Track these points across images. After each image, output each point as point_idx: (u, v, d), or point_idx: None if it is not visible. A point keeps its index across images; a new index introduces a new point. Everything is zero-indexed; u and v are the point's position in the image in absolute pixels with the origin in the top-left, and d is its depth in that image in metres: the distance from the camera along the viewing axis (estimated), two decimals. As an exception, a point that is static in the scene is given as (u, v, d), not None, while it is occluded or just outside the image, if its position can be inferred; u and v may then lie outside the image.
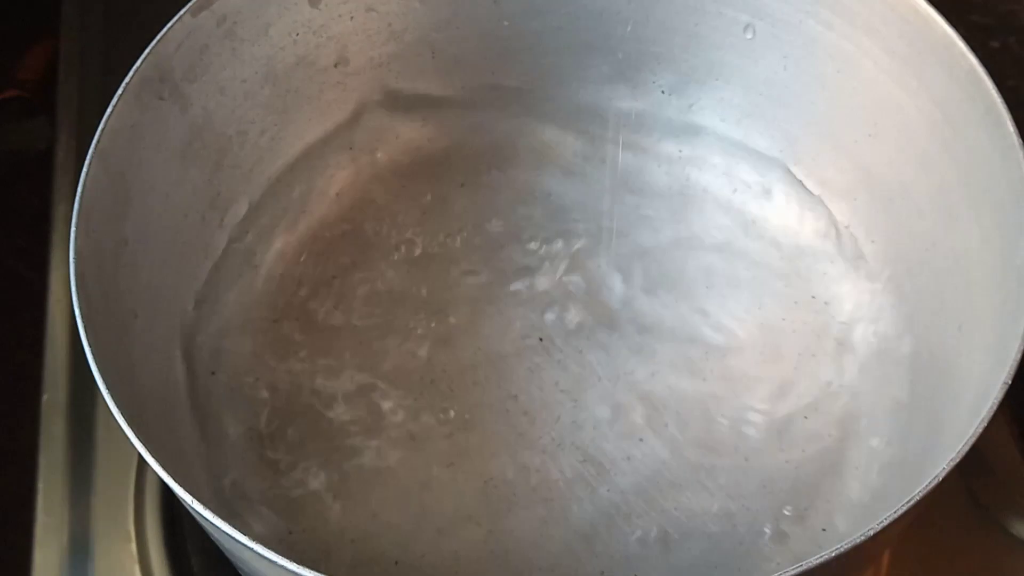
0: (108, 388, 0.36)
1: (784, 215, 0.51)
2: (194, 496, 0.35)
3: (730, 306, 0.49)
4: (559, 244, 0.51)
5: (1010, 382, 0.36)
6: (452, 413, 0.47)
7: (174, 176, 0.46)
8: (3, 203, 0.65)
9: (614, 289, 0.50)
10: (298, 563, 0.32)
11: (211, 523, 0.34)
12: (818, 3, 0.47)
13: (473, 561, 0.44)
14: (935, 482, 0.34)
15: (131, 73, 0.43)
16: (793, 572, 0.32)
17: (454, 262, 0.51)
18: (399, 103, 0.54)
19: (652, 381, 0.47)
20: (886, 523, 0.33)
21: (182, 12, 0.45)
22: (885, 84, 0.46)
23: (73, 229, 0.40)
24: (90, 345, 0.37)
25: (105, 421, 0.50)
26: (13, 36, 0.67)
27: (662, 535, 0.44)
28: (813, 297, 0.49)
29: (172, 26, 0.45)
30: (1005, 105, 0.41)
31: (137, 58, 0.44)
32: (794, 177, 0.52)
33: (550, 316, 0.49)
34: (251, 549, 0.33)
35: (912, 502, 0.34)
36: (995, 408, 0.35)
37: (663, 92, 0.53)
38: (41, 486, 0.49)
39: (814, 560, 0.32)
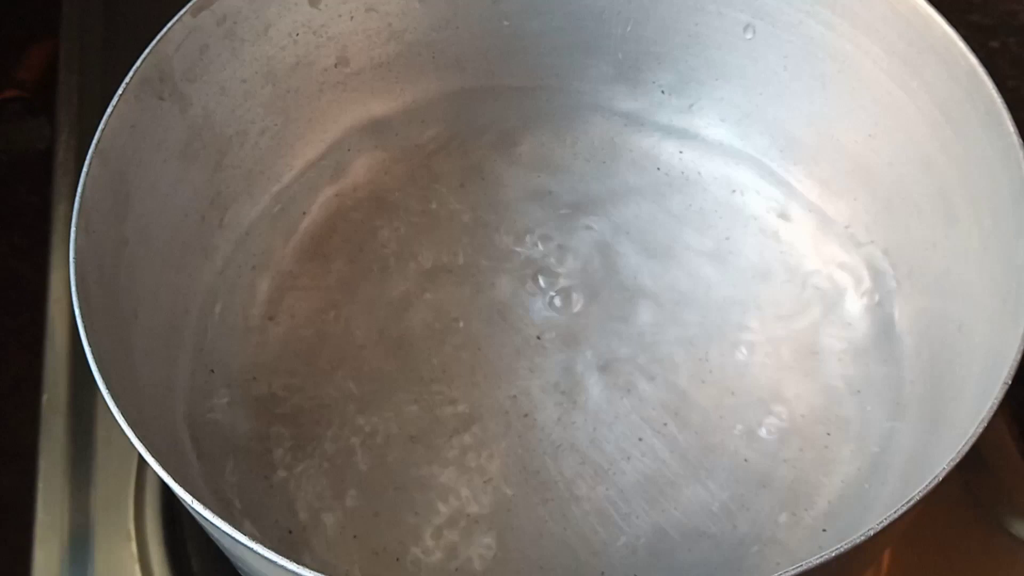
0: (108, 388, 0.36)
1: (784, 215, 0.51)
2: (194, 496, 0.35)
3: (730, 306, 0.49)
4: (559, 244, 0.51)
5: (1010, 382, 0.36)
6: (452, 413, 0.47)
7: (174, 176, 0.46)
8: (3, 203, 0.65)
9: (613, 288, 0.50)
10: (298, 563, 0.32)
11: (211, 523, 0.34)
12: (818, 3, 0.47)
13: (473, 561, 0.44)
14: (935, 482, 0.34)
15: (131, 73, 0.43)
16: (793, 572, 0.32)
17: (454, 262, 0.51)
18: (399, 103, 0.54)
19: (652, 381, 0.47)
20: (886, 523, 0.33)
21: (182, 12, 0.45)
22: (885, 84, 0.46)
23: (73, 229, 0.40)
24: (90, 345, 0.37)
25: (105, 421, 0.50)
26: (13, 36, 0.67)
27: (662, 535, 0.44)
28: (814, 295, 0.49)
29: (172, 26, 0.45)
30: (1005, 105, 0.41)
31: (137, 58, 0.44)
32: (794, 177, 0.52)
33: (549, 316, 0.49)
34: (251, 549, 0.33)
35: (912, 502, 0.34)
36: (995, 408, 0.35)
37: (663, 92, 0.53)
38: (41, 486, 0.49)
39: (814, 560, 0.32)
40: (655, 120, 0.54)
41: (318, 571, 0.32)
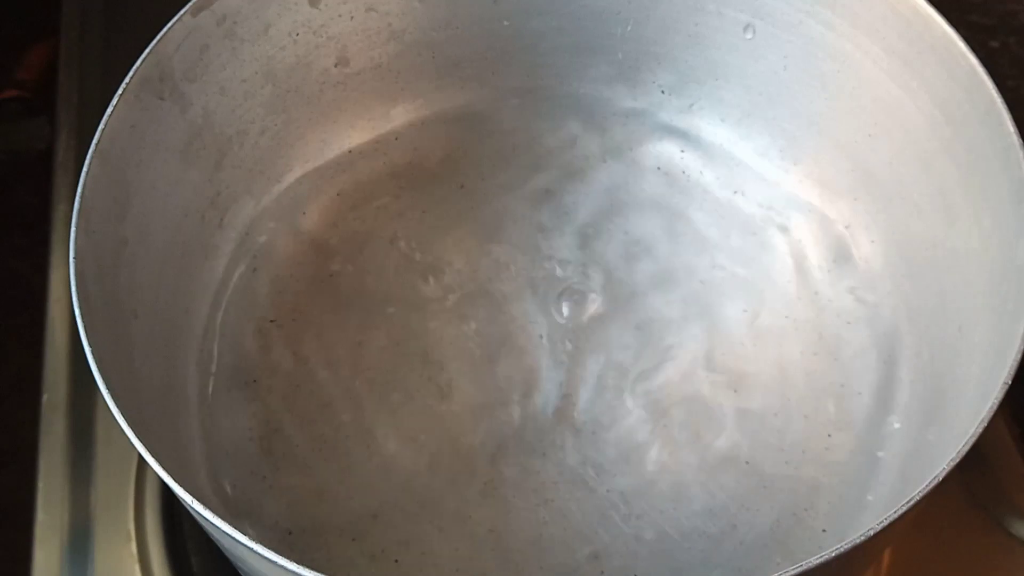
0: (108, 388, 0.36)
1: (785, 215, 0.51)
2: (194, 496, 0.35)
3: (731, 305, 0.49)
4: (559, 244, 0.51)
5: (1010, 382, 0.36)
6: (452, 413, 0.47)
7: (174, 176, 0.46)
8: (3, 203, 0.65)
9: (614, 288, 0.50)
10: (298, 563, 0.32)
11: (211, 523, 0.34)
12: (818, 3, 0.47)
13: (473, 561, 0.44)
14: (935, 482, 0.34)
15: (131, 73, 0.43)
16: (793, 572, 0.32)
17: (454, 262, 0.51)
18: (399, 103, 0.54)
19: (653, 381, 0.47)
20: (886, 523, 0.33)
21: (182, 12, 0.45)
22: (885, 84, 0.46)
23: (73, 229, 0.40)
24: (90, 345, 0.37)
25: (105, 421, 0.50)
26: (13, 36, 0.68)
27: (662, 535, 0.44)
28: (815, 296, 0.49)
29: (172, 26, 0.45)
30: (1005, 105, 0.41)
31: (137, 58, 0.44)
32: (794, 177, 0.52)
33: (549, 315, 0.49)
34: (251, 549, 0.33)
35: (912, 502, 0.34)
36: (995, 408, 0.35)
37: (663, 92, 0.53)
38: (41, 486, 0.49)
39: (814, 560, 0.32)
40: (655, 120, 0.54)
41: (318, 572, 0.32)
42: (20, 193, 0.65)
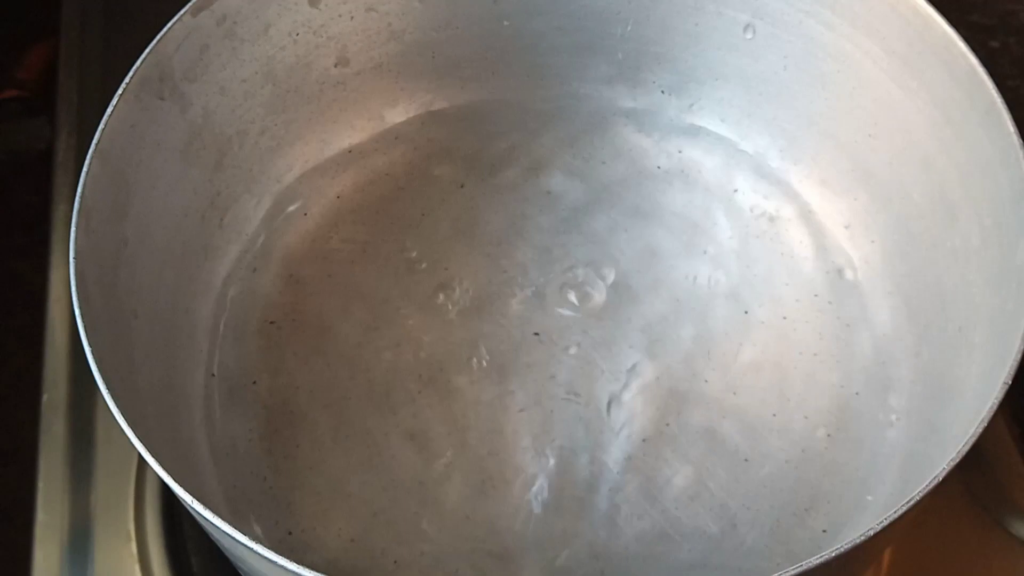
0: (108, 388, 0.36)
1: (784, 215, 0.51)
2: (194, 496, 0.35)
3: (731, 305, 0.49)
4: (559, 243, 0.51)
5: (1010, 382, 0.36)
6: (450, 411, 0.47)
7: (174, 176, 0.46)
8: (3, 203, 0.65)
9: (614, 287, 0.50)
10: (298, 563, 0.32)
11: (211, 523, 0.34)
12: (818, 3, 0.47)
13: (473, 560, 0.44)
14: (935, 482, 0.34)
15: (131, 73, 0.43)
16: (793, 572, 0.32)
17: (454, 262, 0.51)
18: (399, 103, 0.54)
19: (652, 379, 0.47)
20: (886, 523, 0.33)
21: (182, 12, 0.45)
22: (885, 84, 0.46)
23: (73, 229, 0.40)
24: (90, 345, 0.37)
25: (105, 421, 0.50)
26: (13, 36, 0.68)
27: (662, 535, 0.44)
28: (815, 296, 0.49)
29: (172, 26, 0.45)
30: (1005, 105, 0.41)
31: (137, 58, 0.44)
32: (794, 177, 0.52)
33: (550, 314, 0.49)
34: (251, 549, 0.33)
35: (912, 502, 0.34)
36: (995, 408, 0.35)
37: (663, 92, 0.54)
38: (41, 486, 0.49)
39: (814, 560, 0.32)
40: (655, 120, 0.54)
41: (318, 572, 0.32)
42: (20, 193, 0.65)
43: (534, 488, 0.45)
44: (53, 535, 0.48)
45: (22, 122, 0.66)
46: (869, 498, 0.45)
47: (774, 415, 0.47)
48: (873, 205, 0.49)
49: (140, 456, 0.36)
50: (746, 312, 0.49)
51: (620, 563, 0.44)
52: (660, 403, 0.47)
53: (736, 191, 0.52)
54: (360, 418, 0.47)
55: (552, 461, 0.46)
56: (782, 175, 0.52)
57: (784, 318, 0.49)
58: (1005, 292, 0.40)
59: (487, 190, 0.53)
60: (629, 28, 0.52)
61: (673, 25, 0.51)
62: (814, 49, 0.49)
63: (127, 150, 0.43)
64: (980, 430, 0.35)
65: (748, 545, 0.44)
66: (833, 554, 0.33)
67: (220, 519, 0.34)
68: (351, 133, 0.53)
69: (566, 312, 0.49)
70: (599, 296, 0.50)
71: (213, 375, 0.47)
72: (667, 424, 0.46)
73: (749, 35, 0.50)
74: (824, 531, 0.44)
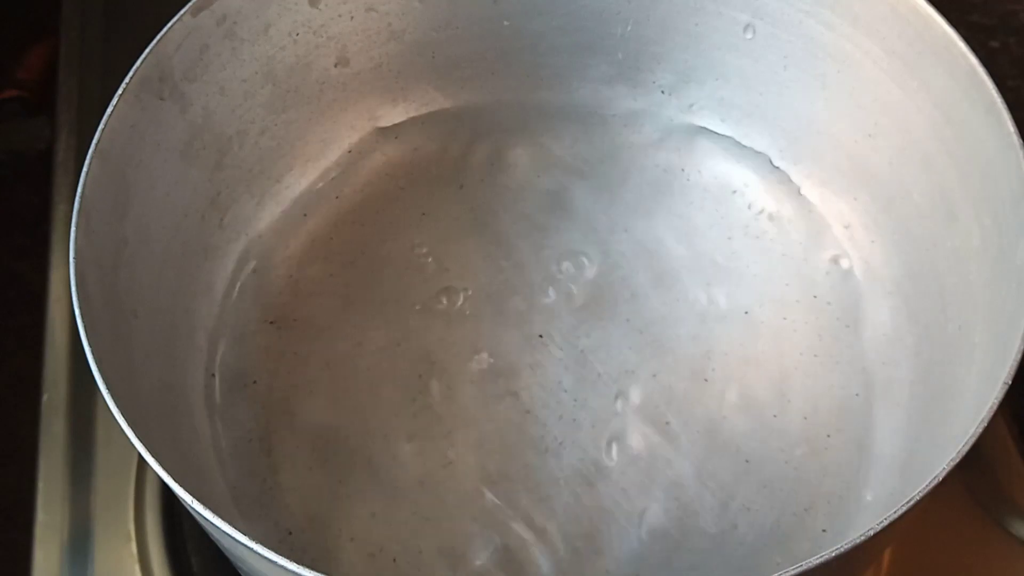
0: (108, 388, 0.36)
1: (785, 215, 0.51)
2: (194, 496, 0.35)
3: (731, 305, 0.49)
4: (559, 243, 0.51)
5: (1010, 382, 0.36)
6: (452, 412, 0.47)
7: (174, 176, 0.46)
8: (3, 203, 0.65)
9: (614, 287, 0.50)
10: (298, 563, 0.32)
11: (211, 523, 0.34)
12: (818, 3, 0.47)
13: (472, 560, 0.44)
14: (935, 482, 0.34)
15: (131, 73, 0.43)
16: (793, 572, 0.32)
17: (454, 262, 0.51)
18: (399, 103, 0.54)
19: (653, 379, 0.47)
20: (886, 523, 0.33)
21: (182, 12, 0.45)
22: (885, 84, 0.46)
23: (73, 229, 0.40)
24: (90, 345, 0.37)
25: (105, 421, 0.50)
26: (13, 36, 0.68)
27: (663, 534, 0.44)
28: (815, 297, 0.49)
29: (172, 26, 0.45)
30: (1005, 105, 0.41)
31: (137, 58, 0.44)
32: (794, 177, 0.52)
33: (550, 314, 0.49)
34: (251, 549, 0.33)
35: (912, 502, 0.34)
36: (995, 408, 0.35)
37: (663, 92, 0.54)
38: (41, 486, 0.49)
39: (814, 560, 0.32)
40: (655, 120, 0.54)
41: (318, 572, 0.32)
42: (20, 193, 0.65)
43: (535, 488, 0.45)
44: (53, 535, 0.48)
45: (22, 122, 0.66)
46: (869, 498, 0.45)
47: (774, 416, 0.47)
48: (873, 205, 0.49)
49: (140, 456, 0.36)
50: (746, 312, 0.49)
51: (620, 561, 0.44)
52: (660, 403, 0.47)
53: (736, 191, 0.52)
54: (360, 418, 0.47)
55: (553, 460, 0.46)
56: (782, 175, 0.52)
57: (784, 318, 0.49)
58: (1005, 292, 0.40)
59: (487, 190, 0.53)
60: (629, 28, 0.52)
61: (673, 25, 0.51)
62: (814, 49, 0.49)
63: (127, 150, 0.43)
64: (980, 430, 0.35)
65: (748, 545, 0.44)
66: (833, 554, 0.33)
67: (220, 519, 0.34)
68: (351, 133, 0.53)
69: (566, 312, 0.49)
70: (599, 296, 0.50)
71: (213, 375, 0.47)
72: (667, 424, 0.46)
73: (749, 35, 0.50)
74: (824, 531, 0.44)
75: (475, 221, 0.52)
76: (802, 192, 0.52)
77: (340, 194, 0.53)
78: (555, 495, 0.45)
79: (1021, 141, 0.40)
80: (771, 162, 0.52)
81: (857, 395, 0.47)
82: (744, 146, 0.53)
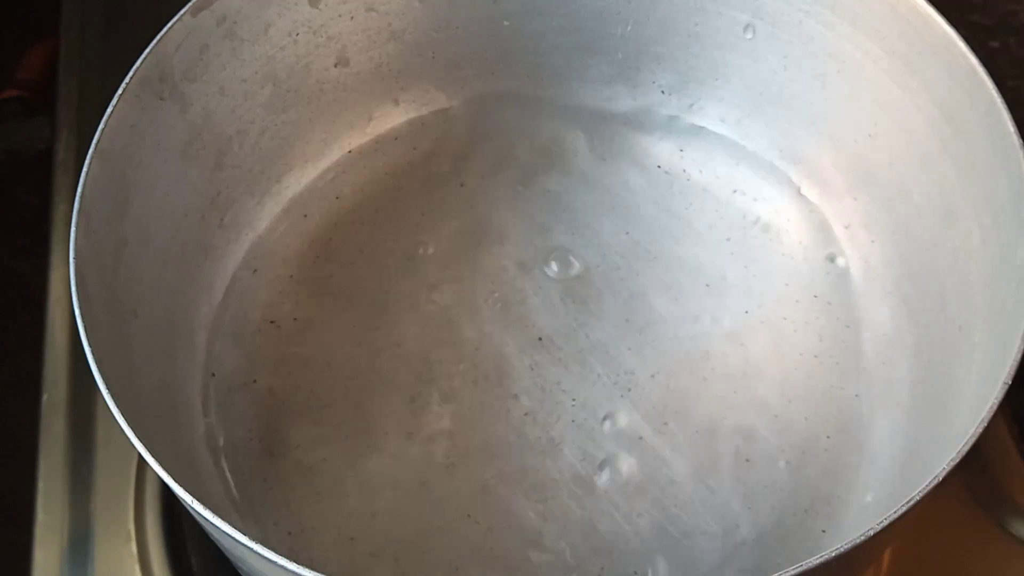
0: (108, 388, 0.36)
1: (785, 215, 0.51)
2: (194, 496, 0.35)
3: (731, 306, 0.49)
4: (559, 244, 0.51)
5: (1010, 382, 0.36)
6: (452, 412, 0.47)
7: (174, 176, 0.46)
8: (3, 203, 0.65)
9: (614, 288, 0.50)
10: (298, 563, 0.32)
11: (211, 523, 0.34)
12: (818, 3, 0.47)
13: (473, 560, 0.44)
14: (935, 482, 0.34)
15: (131, 73, 0.43)
16: (793, 572, 0.32)
17: (454, 262, 0.51)
18: (399, 103, 0.54)
19: (652, 380, 0.47)
20: (886, 523, 0.33)
21: (182, 12, 0.45)
22: (885, 84, 0.46)
23: (73, 229, 0.40)
24: (90, 345, 0.37)
25: (105, 421, 0.50)
26: (13, 36, 0.67)
27: (662, 534, 0.44)
28: (815, 297, 0.49)
29: (172, 26, 0.45)
30: (1005, 105, 0.41)
31: (137, 58, 0.44)
32: (794, 177, 0.52)
33: (550, 315, 0.49)
34: (251, 549, 0.33)
35: (912, 502, 0.34)
36: (995, 408, 0.35)
37: (663, 92, 0.54)
38: (41, 486, 0.49)
39: (814, 560, 0.32)
40: (655, 120, 0.54)
41: (318, 572, 0.32)
42: (20, 193, 0.65)
43: (535, 488, 0.45)
44: (53, 535, 0.48)
45: (22, 122, 0.65)
46: (869, 498, 0.45)
47: (775, 416, 0.47)
48: (873, 205, 0.49)
49: (140, 456, 0.36)
50: (746, 312, 0.49)
51: (620, 561, 0.44)
52: (660, 403, 0.47)
53: (736, 191, 0.52)
54: (360, 418, 0.47)
55: (553, 461, 0.46)
56: (782, 175, 0.52)
57: (784, 319, 0.49)
58: (1005, 292, 0.40)
59: (487, 190, 0.53)
60: (629, 28, 0.52)
61: (673, 25, 0.51)
62: (814, 49, 0.49)
63: (127, 150, 0.43)
64: (980, 430, 0.35)
65: (748, 545, 0.44)
66: (833, 554, 0.33)
67: (220, 519, 0.34)
68: (351, 133, 0.53)
69: (566, 312, 0.49)
70: (599, 296, 0.50)
71: (213, 375, 0.47)
72: (666, 424, 0.46)
73: (749, 35, 0.50)
74: (824, 531, 0.44)
75: (475, 221, 0.52)
76: (802, 192, 0.52)
77: (340, 194, 0.53)
78: (554, 496, 0.45)
79: (1021, 141, 0.40)
80: (771, 162, 0.52)
81: (857, 395, 0.47)
82: (744, 146, 0.53)
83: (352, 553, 0.44)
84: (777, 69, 0.50)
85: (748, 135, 0.53)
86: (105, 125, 0.42)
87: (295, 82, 0.50)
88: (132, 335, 0.42)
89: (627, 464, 0.46)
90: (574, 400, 0.47)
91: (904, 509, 0.34)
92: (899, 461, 0.45)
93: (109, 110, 0.42)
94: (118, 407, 0.36)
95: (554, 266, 0.51)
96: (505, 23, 0.52)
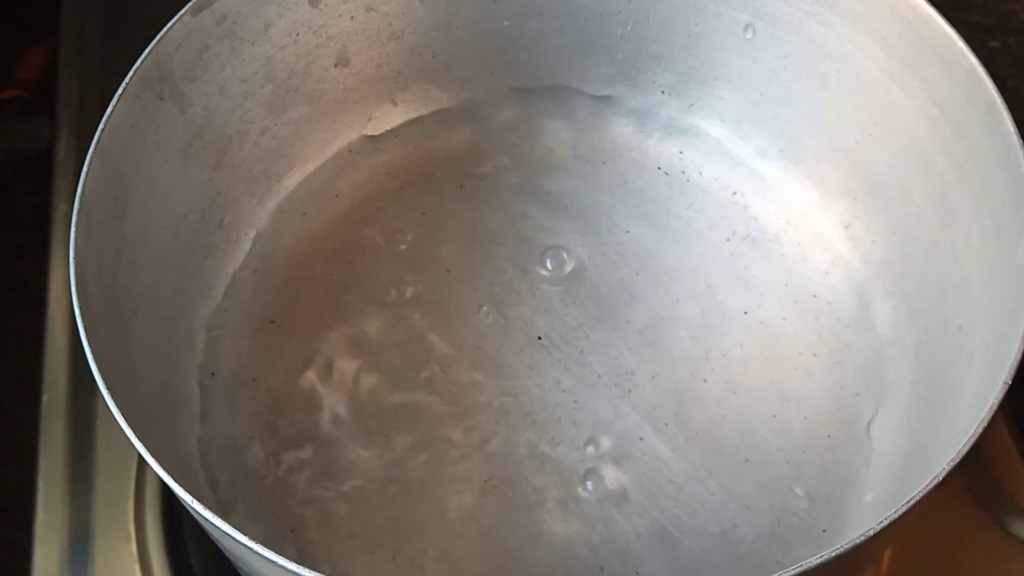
0: (108, 388, 0.36)
1: (785, 215, 0.51)
2: (194, 496, 0.35)
3: (730, 306, 0.49)
4: (559, 244, 0.51)
5: (1010, 382, 0.36)
6: (450, 412, 0.47)
7: (174, 176, 0.46)
8: (3, 203, 0.65)
9: (614, 288, 0.50)
10: (298, 563, 0.32)
11: (211, 523, 0.34)
12: (818, 3, 0.47)
13: (472, 559, 0.44)
14: (935, 482, 0.34)
15: (131, 73, 0.43)
16: (793, 572, 0.32)
17: (453, 263, 0.51)
18: (398, 103, 0.54)
19: (652, 380, 0.47)
20: (886, 523, 0.33)
21: (182, 12, 0.45)
22: (885, 84, 0.46)
23: (73, 229, 0.40)
24: (90, 345, 0.37)
25: (105, 421, 0.50)
26: (13, 36, 0.67)
27: (662, 534, 0.44)
28: (814, 297, 0.49)
29: (172, 26, 0.45)
30: (1005, 105, 0.41)
31: (137, 58, 0.44)
32: (794, 177, 0.52)
33: (550, 315, 0.49)
34: (251, 549, 0.33)
35: (912, 502, 0.34)
36: (995, 408, 0.35)
37: (663, 92, 0.53)
38: (41, 486, 0.49)
39: (814, 560, 0.32)
40: (655, 120, 0.54)
41: (317, 571, 0.32)
42: (20, 193, 0.65)
43: (535, 488, 0.45)
44: (53, 535, 0.48)
45: (22, 122, 0.65)
46: (869, 498, 0.45)
47: (774, 415, 0.47)
48: (873, 205, 0.49)
49: (140, 456, 0.36)
50: (746, 312, 0.49)
51: (620, 561, 0.44)
52: (659, 403, 0.47)
53: (736, 192, 0.52)
54: (360, 417, 0.47)
55: (553, 461, 0.46)
56: (782, 175, 0.52)
57: (784, 318, 0.49)
58: (1005, 292, 0.40)
59: (487, 190, 0.53)
60: (629, 28, 0.52)
61: (673, 25, 0.51)
62: (814, 49, 0.49)
63: (127, 150, 0.43)
64: (980, 430, 0.35)
65: (748, 545, 0.44)
66: (833, 554, 0.33)
67: (220, 519, 0.34)
68: (351, 133, 0.53)
69: (566, 313, 0.49)
70: (599, 297, 0.50)
71: (213, 375, 0.47)
72: (666, 424, 0.46)
73: (749, 35, 0.50)
74: (824, 531, 0.44)
75: (475, 221, 0.52)
76: (802, 192, 0.52)
77: (340, 193, 0.53)
78: (554, 496, 0.45)
79: (1021, 141, 0.40)
80: (771, 162, 0.52)
81: (857, 395, 0.47)
82: (744, 146, 0.53)
83: (352, 551, 0.44)
84: (777, 69, 0.50)
85: (748, 135, 0.53)
86: (105, 125, 0.42)
87: (295, 82, 0.50)
88: (132, 335, 0.42)
89: (627, 464, 0.46)
90: (574, 401, 0.47)
91: (904, 509, 0.34)
92: (899, 461, 0.45)
93: (109, 110, 0.42)
94: (118, 407, 0.36)
95: (554, 268, 0.51)
96: (505, 23, 0.52)
